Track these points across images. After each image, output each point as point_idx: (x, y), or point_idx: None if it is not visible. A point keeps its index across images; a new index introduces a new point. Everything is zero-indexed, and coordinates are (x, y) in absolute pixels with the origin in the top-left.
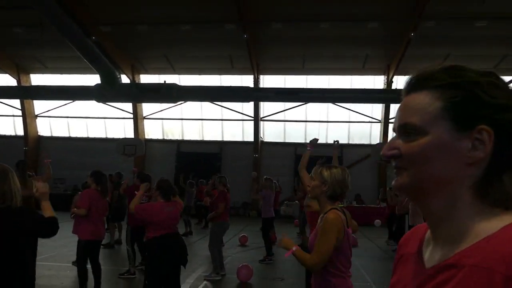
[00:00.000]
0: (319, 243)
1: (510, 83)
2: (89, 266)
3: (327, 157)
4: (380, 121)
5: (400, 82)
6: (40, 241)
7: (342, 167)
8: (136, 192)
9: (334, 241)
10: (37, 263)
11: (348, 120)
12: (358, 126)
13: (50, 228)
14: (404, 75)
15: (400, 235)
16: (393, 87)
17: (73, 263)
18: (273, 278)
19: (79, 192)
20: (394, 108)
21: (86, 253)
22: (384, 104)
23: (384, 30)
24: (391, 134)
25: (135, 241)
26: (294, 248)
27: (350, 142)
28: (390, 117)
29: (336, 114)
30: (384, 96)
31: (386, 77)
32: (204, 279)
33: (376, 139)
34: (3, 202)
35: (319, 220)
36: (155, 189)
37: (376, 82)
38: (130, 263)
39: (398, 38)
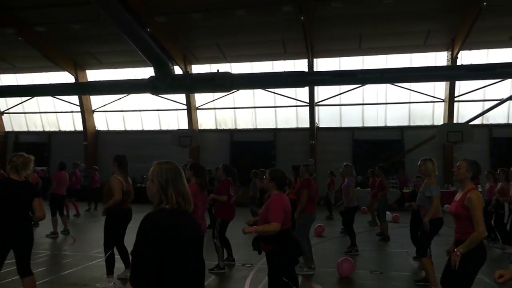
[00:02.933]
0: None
1: None
2: None
3: None
4: (444, 100)
5: (466, 57)
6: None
7: None
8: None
9: None
10: None
11: (408, 101)
12: (419, 106)
13: None
14: (471, 49)
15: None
16: (458, 63)
17: None
18: (370, 271)
19: None
20: (459, 85)
21: None
22: (448, 82)
23: (452, 1)
24: (456, 114)
25: (222, 234)
26: None
27: (411, 124)
28: (456, 95)
29: (395, 95)
30: (450, 73)
31: (450, 52)
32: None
33: (439, 119)
34: (179, 205)
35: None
36: (269, 179)
37: (438, 59)
38: (219, 257)
39: (467, 8)
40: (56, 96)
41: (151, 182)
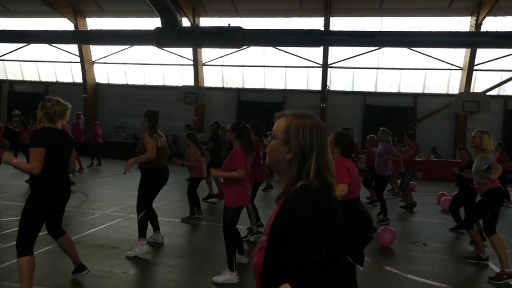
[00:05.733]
0: None
1: None
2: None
3: None
4: (461, 69)
5: (489, 24)
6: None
7: None
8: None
9: None
10: None
11: (424, 68)
12: (435, 73)
13: None
14: (497, 15)
15: None
16: (482, 30)
17: (182, 220)
18: (413, 242)
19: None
20: (480, 53)
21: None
22: (469, 50)
23: None
24: (473, 83)
25: (253, 198)
26: None
27: (425, 92)
28: (476, 63)
29: (410, 61)
30: (475, 39)
31: (474, 18)
32: None
33: (455, 88)
34: (325, 182)
35: None
36: (334, 144)
37: (461, 24)
38: (251, 221)
39: None
40: (54, 45)
41: (281, 143)
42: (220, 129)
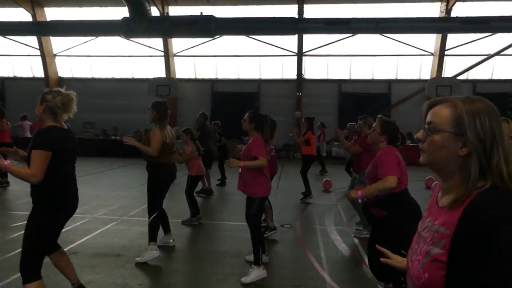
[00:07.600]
0: None
1: None
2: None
3: None
4: (433, 54)
5: (461, 10)
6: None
7: None
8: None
9: None
10: None
11: (397, 54)
12: (407, 59)
13: None
14: (465, 1)
15: None
16: (452, 15)
17: (183, 222)
18: None
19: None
20: (451, 38)
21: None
22: (440, 35)
23: None
24: (444, 67)
25: None
26: None
27: (398, 78)
28: (447, 48)
29: (384, 47)
30: (447, 25)
31: (445, 3)
32: (356, 236)
33: (426, 73)
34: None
35: None
36: (380, 132)
37: (431, 10)
38: (267, 216)
39: None
40: (10, 37)
41: (451, 137)
42: (207, 120)
